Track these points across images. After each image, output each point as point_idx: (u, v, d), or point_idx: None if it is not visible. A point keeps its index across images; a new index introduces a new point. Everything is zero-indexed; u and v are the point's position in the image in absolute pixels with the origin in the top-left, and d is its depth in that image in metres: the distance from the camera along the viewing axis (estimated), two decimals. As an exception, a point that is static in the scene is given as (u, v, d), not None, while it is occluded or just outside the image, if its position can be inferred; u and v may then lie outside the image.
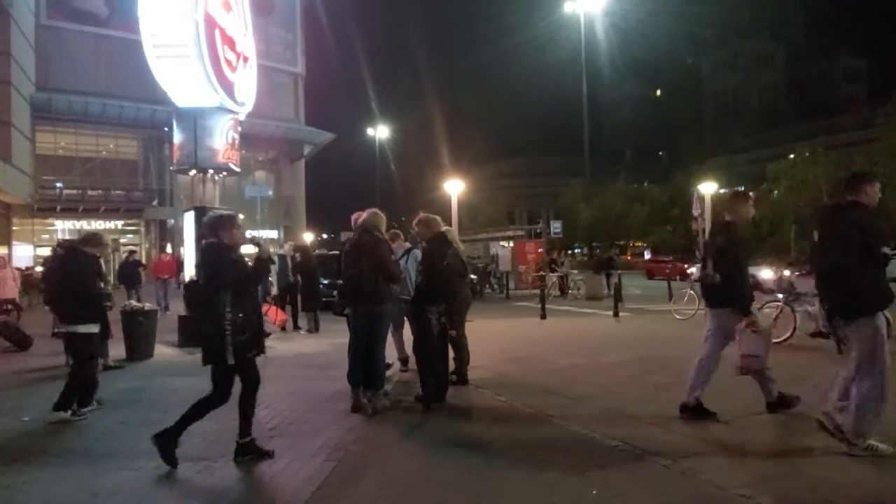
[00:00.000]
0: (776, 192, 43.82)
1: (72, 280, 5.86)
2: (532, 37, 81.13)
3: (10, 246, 29.64)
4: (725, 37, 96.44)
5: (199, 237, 6.39)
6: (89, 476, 4.06)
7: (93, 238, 6.31)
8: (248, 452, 4.28)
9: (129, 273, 15.53)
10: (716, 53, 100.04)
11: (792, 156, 42.76)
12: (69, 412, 5.46)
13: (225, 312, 4.16)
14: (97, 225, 35.83)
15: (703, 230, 14.69)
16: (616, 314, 13.70)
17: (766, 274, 13.71)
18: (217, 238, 4.33)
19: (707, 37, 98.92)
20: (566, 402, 5.90)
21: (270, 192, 30.34)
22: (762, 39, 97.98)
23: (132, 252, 17.29)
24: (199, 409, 4.27)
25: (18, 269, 18.31)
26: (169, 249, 21.83)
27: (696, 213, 14.99)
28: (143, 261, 25.15)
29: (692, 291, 13.36)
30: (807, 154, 40.77)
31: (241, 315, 4.19)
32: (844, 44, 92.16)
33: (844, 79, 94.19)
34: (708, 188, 14.76)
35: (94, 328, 5.81)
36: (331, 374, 7.19)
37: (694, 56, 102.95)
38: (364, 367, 5.67)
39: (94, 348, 5.93)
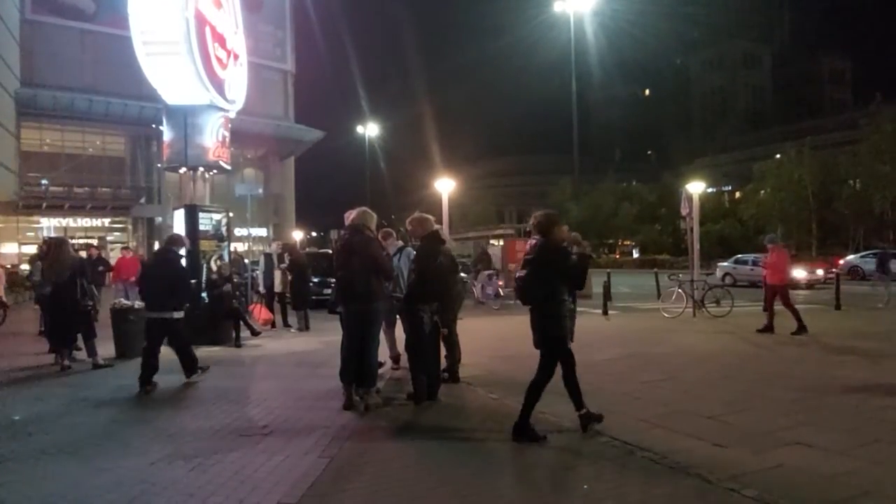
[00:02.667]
0: (762, 191, 44.27)
1: (168, 275, 6.79)
2: (522, 36, 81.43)
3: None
4: (713, 37, 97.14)
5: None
6: (83, 474, 4.06)
7: (178, 239, 7.32)
8: (590, 420, 4.81)
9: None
10: (703, 54, 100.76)
11: (778, 156, 43.22)
12: (196, 374, 6.92)
13: (566, 301, 4.73)
14: (84, 223, 35.48)
15: (692, 229, 14.83)
16: (605, 312, 13.80)
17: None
18: (549, 236, 4.74)
19: (695, 37, 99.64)
20: (556, 400, 5.92)
21: (260, 190, 30.06)
22: (749, 40, 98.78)
23: (91, 247, 15.11)
24: (536, 392, 4.73)
25: (3, 266, 18.08)
26: (158, 245, 21.32)
27: (684, 212, 15.08)
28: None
29: (680, 290, 13.50)
30: (793, 154, 41.21)
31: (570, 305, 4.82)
32: (830, 45, 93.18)
33: (830, 80, 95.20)
34: (696, 187, 14.87)
35: (182, 314, 6.90)
36: (322, 371, 7.21)
37: (682, 56, 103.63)
38: (357, 365, 5.69)
39: (182, 329, 7.02)
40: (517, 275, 4.96)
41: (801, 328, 10.09)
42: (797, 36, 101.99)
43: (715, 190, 53.98)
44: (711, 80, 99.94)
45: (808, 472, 3.94)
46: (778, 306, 10.50)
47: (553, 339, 4.73)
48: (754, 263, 24.42)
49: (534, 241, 4.85)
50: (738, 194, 55.75)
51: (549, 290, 4.68)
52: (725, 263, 25.73)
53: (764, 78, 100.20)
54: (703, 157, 66.43)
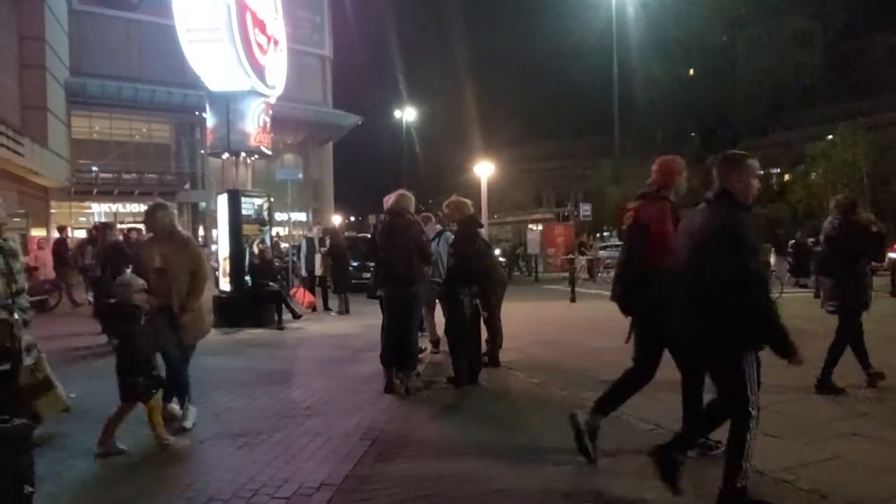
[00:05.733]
0: (813, 174, 42.71)
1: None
2: (562, 15, 79.67)
3: (48, 229, 30.41)
4: (761, 14, 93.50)
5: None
6: (131, 450, 4.17)
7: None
8: (825, 388, 5.40)
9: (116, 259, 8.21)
10: (751, 31, 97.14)
11: (830, 137, 41.53)
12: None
13: (867, 273, 5.57)
14: (132, 208, 36.52)
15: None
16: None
17: None
18: (850, 217, 5.55)
19: (742, 14, 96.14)
20: (599, 385, 5.82)
21: (300, 175, 30.40)
22: (800, 16, 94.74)
23: (130, 230, 9.81)
24: (838, 351, 5.47)
25: (42, 248, 18.55)
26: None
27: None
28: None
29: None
30: (845, 135, 39.54)
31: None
32: (885, 21, 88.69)
33: (884, 58, 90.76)
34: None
35: None
36: (363, 355, 7.27)
37: (728, 34, 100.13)
38: (397, 348, 5.71)
39: None
40: (816, 248, 5.71)
41: None
42: (850, 12, 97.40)
43: (763, 172, 52.24)
44: (759, 59, 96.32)
45: (866, 464, 3.78)
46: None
47: (856, 305, 5.41)
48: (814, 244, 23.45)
49: (836, 222, 5.61)
50: (787, 177, 53.84)
51: (852, 265, 5.40)
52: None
53: (815, 55, 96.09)
54: (750, 139, 64.26)
